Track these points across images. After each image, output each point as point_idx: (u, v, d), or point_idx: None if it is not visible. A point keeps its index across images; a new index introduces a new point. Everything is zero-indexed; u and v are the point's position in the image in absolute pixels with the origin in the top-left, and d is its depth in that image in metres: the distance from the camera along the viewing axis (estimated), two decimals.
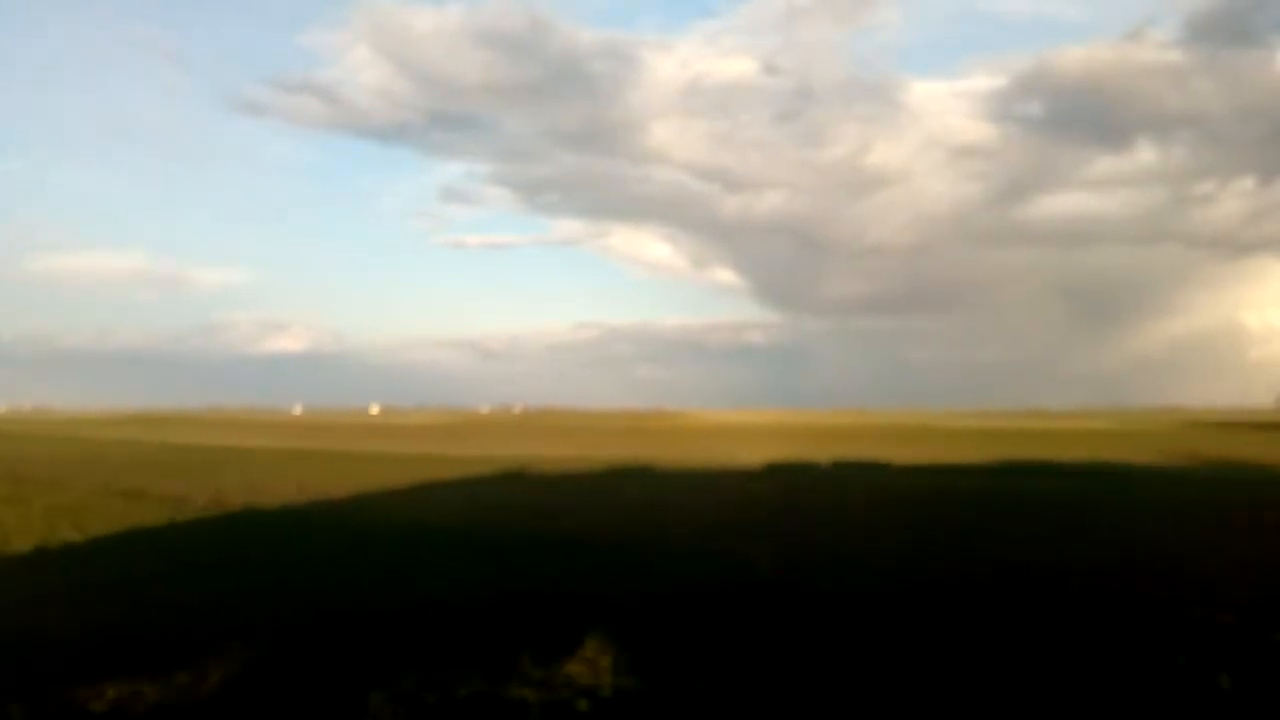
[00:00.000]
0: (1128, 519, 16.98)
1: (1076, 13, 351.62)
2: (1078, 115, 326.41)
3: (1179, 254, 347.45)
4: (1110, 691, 6.48)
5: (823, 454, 40.38)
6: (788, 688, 6.60)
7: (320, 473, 28.11)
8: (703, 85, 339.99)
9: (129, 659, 7.23)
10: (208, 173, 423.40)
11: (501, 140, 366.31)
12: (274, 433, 74.31)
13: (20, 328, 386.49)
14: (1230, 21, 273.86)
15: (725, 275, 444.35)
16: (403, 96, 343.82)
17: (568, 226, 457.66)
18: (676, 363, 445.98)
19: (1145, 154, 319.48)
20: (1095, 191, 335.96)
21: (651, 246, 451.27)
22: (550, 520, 16.19)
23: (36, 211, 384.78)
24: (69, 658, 7.36)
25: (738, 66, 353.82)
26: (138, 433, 70.46)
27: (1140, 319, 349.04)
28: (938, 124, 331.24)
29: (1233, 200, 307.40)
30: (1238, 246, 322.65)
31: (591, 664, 7.12)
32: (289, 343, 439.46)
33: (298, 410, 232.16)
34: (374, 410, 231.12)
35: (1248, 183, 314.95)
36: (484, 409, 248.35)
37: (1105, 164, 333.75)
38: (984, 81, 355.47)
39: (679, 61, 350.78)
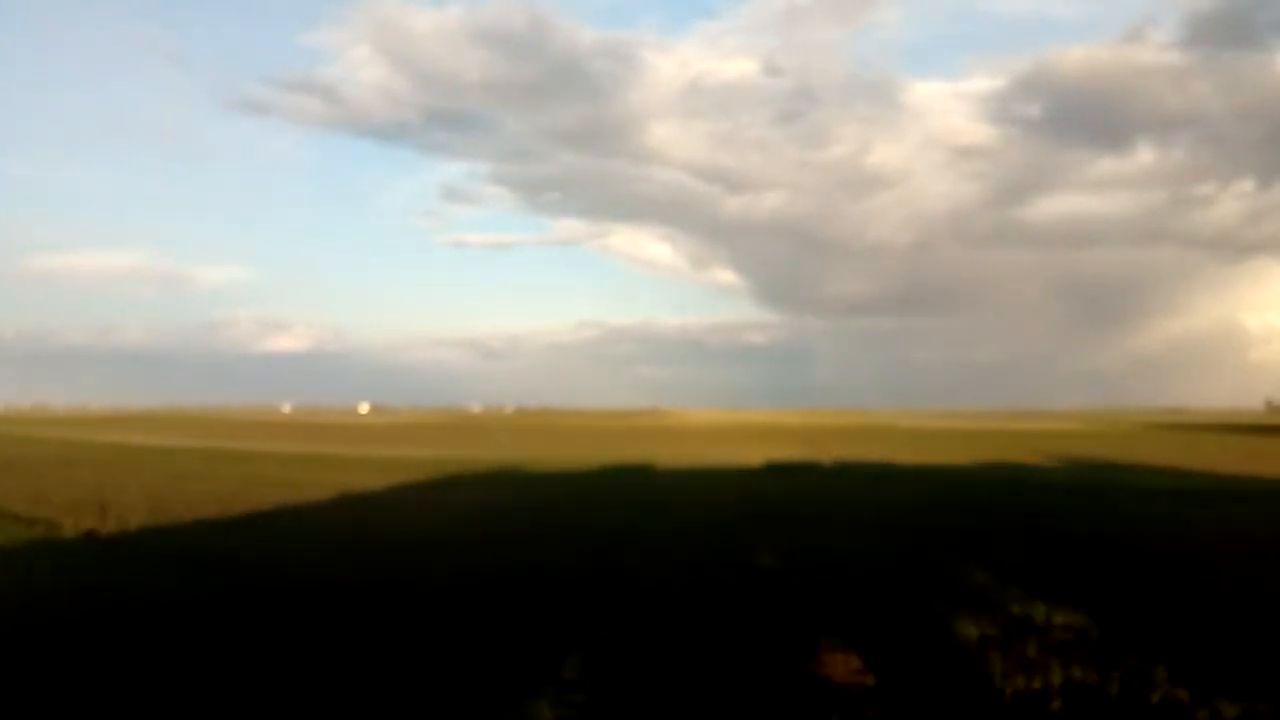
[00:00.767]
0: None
1: (1076, 13, 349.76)
2: (1077, 116, 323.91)
3: (1178, 255, 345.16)
4: None
5: (804, 453, 36.80)
6: None
7: (194, 481, 23.79)
8: (703, 85, 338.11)
9: None
10: (208, 171, 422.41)
11: (502, 140, 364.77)
12: (221, 431, 70.14)
13: (21, 325, 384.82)
14: (1230, 23, 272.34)
15: (725, 275, 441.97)
16: (403, 95, 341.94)
17: (568, 226, 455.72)
18: (677, 362, 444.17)
19: (1145, 155, 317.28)
20: (1095, 192, 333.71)
21: (652, 246, 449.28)
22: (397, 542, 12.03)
23: (37, 210, 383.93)
24: None
25: (738, 67, 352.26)
26: (64, 432, 66.33)
27: (1140, 320, 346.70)
28: (938, 124, 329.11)
29: (1232, 202, 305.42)
30: (1237, 248, 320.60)
31: None
32: (290, 341, 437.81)
33: (287, 409, 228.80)
34: (363, 409, 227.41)
35: (1247, 184, 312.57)
36: (476, 408, 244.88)
37: (1105, 165, 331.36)
38: (984, 82, 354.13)
39: (679, 62, 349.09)
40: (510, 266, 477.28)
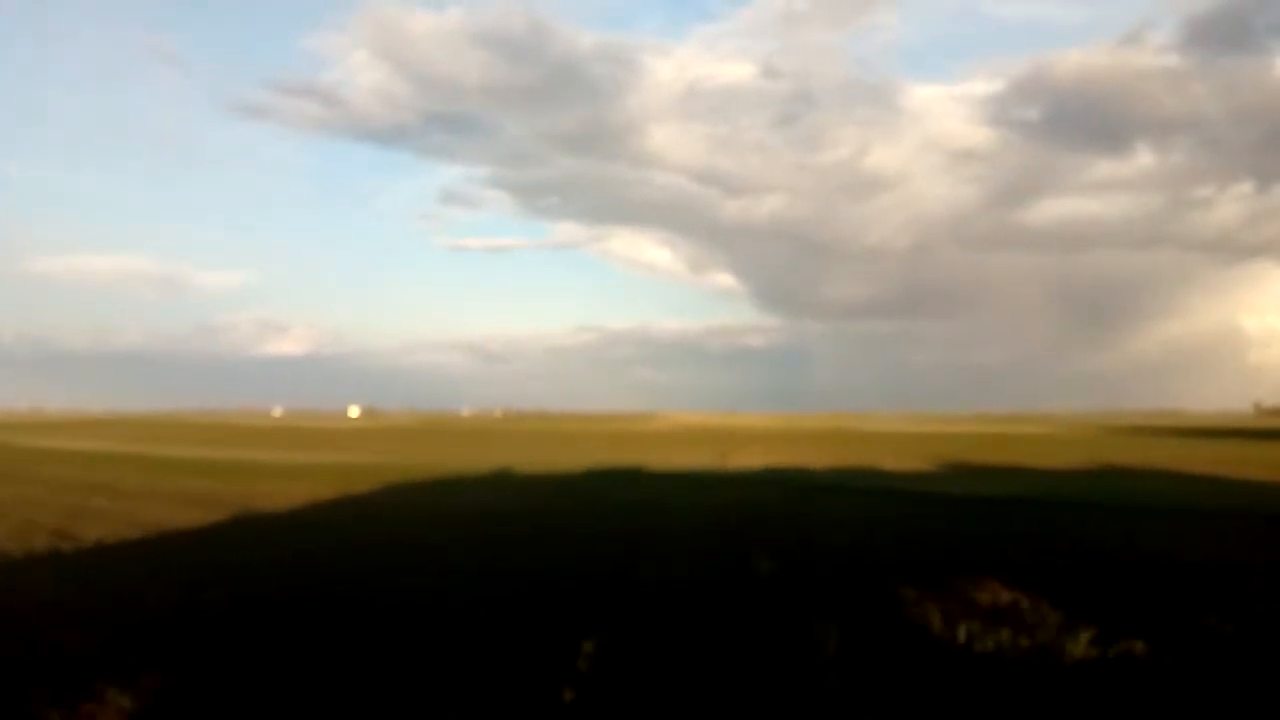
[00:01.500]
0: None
1: (1074, 17, 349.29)
2: (1076, 119, 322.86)
3: (1177, 258, 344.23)
4: None
5: (762, 460, 35.25)
6: None
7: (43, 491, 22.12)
8: (702, 89, 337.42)
9: None
10: (208, 174, 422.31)
11: (501, 143, 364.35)
12: (174, 436, 68.57)
13: (21, 328, 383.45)
14: (1228, 25, 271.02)
15: (724, 279, 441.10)
16: (402, 99, 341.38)
17: (567, 230, 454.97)
18: (676, 366, 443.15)
19: (1143, 158, 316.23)
20: (1093, 195, 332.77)
21: (650, 250, 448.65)
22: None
23: (37, 213, 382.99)
24: None
25: (737, 70, 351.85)
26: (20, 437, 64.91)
27: (1139, 323, 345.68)
28: (936, 127, 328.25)
29: (1231, 204, 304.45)
30: (1236, 251, 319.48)
31: None
32: (290, 344, 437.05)
33: (277, 413, 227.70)
34: (353, 413, 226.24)
35: (1246, 187, 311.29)
36: (465, 412, 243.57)
37: (1103, 168, 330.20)
38: (982, 85, 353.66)
39: (678, 65, 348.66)
40: (509, 270, 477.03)
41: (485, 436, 77.09)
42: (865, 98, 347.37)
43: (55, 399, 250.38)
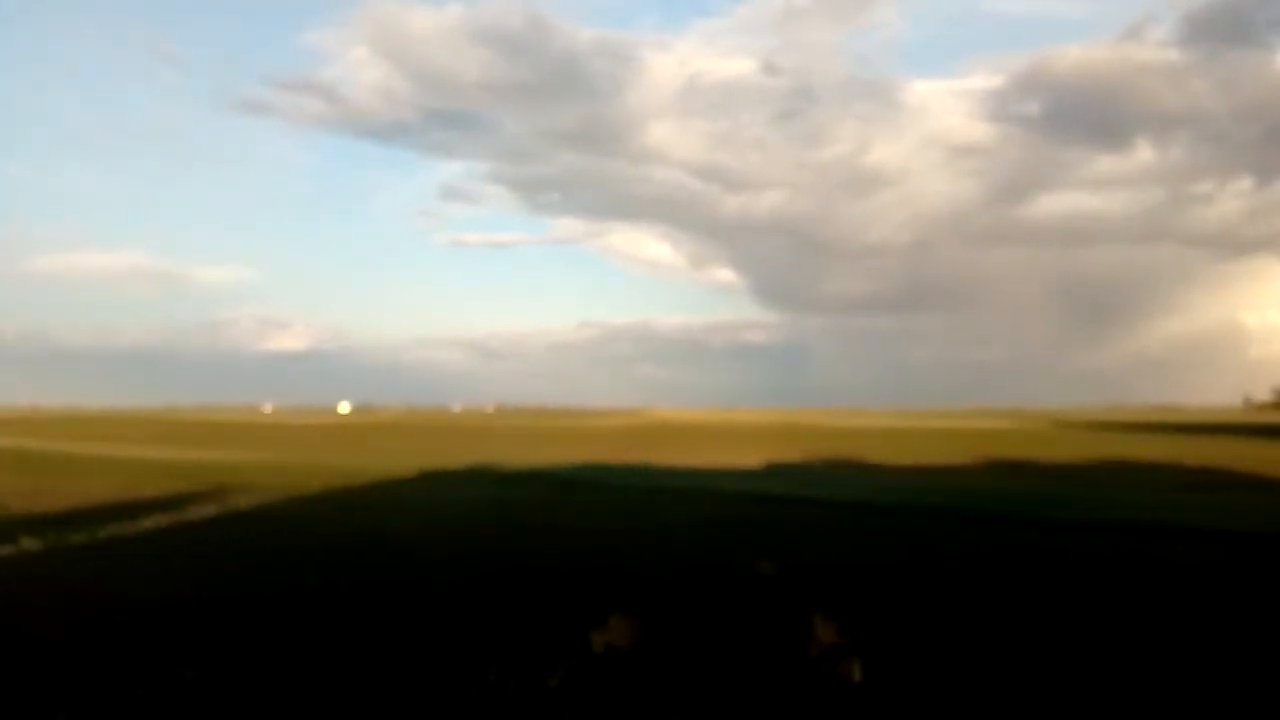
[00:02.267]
0: None
1: (1074, 12, 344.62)
2: (1076, 114, 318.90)
3: (1178, 253, 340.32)
4: None
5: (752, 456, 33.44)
6: None
7: None
8: (702, 85, 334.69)
9: None
10: (208, 171, 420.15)
11: (501, 139, 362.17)
12: (122, 433, 66.68)
13: (21, 326, 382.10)
14: (1229, 20, 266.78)
15: (725, 275, 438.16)
16: (402, 95, 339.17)
17: (567, 226, 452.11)
18: (677, 362, 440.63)
19: (1144, 153, 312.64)
20: (1094, 191, 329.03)
21: (651, 246, 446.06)
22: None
23: (37, 211, 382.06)
24: None
25: (737, 66, 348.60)
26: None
27: (1139, 318, 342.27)
28: (937, 123, 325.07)
29: (1231, 200, 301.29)
30: (1237, 246, 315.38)
31: None
32: (291, 341, 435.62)
33: (268, 409, 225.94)
34: (343, 409, 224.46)
35: (1246, 182, 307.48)
36: (457, 408, 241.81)
37: (1104, 163, 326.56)
38: (982, 81, 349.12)
39: (678, 61, 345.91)
40: (509, 266, 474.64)
41: (452, 434, 75.25)
42: (865, 93, 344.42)
43: (57, 396, 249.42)
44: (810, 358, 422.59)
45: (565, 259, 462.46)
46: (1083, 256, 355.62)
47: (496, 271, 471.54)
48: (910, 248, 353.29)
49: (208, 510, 16.65)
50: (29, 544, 12.29)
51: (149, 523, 14.87)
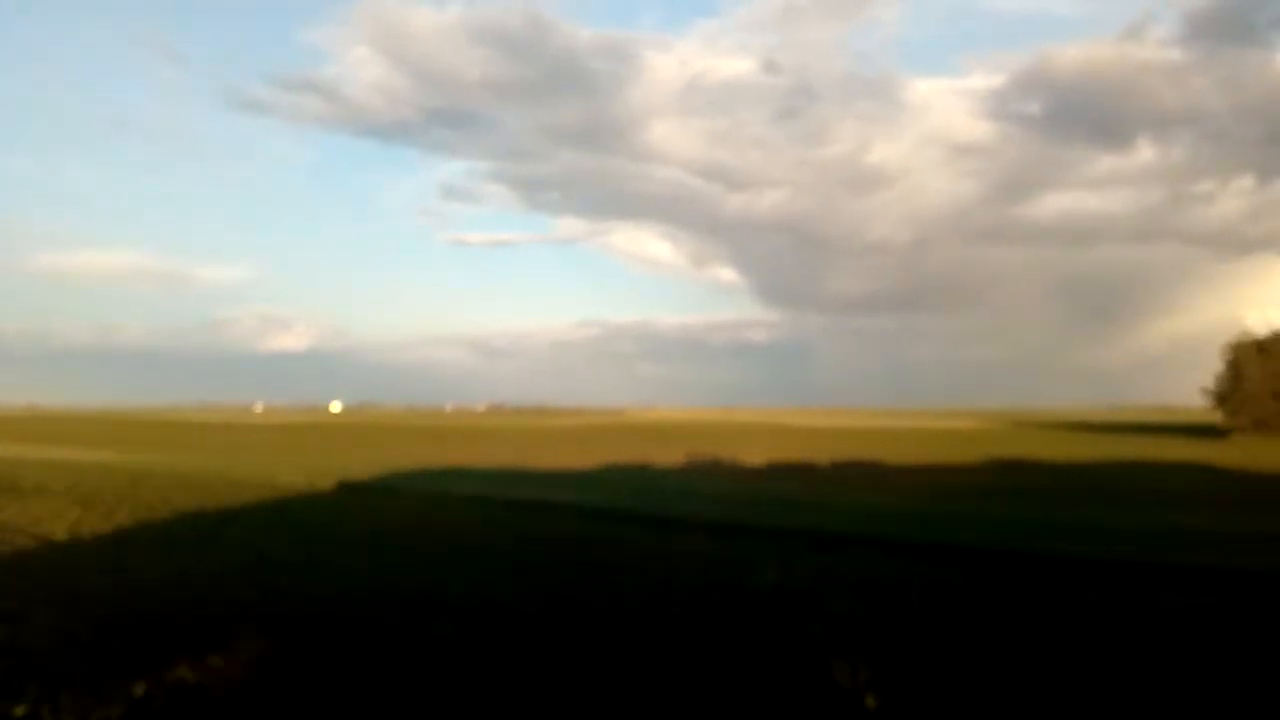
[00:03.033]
0: None
1: (1075, 10, 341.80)
2: (1077, 113, 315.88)
3: (1179, 252, 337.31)
4: None
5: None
6: None
7: None
8: (702, 83, 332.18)
9: None
10: (210, 170, 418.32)
11: (502, 138, 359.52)
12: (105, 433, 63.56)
13: (23, 324, 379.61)
14: (1229, 19, 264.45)
15: (726, 273, 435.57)
16: (403, 94, 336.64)
17: (568, 224, 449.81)
18: (678, 360, 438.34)
19: (1145, 152, 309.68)
20: (1095, 190, 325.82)
21: (652, 244, 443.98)
22: None
23: (39, 209, 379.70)
24: None
25: (737, 64, 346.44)
26: None
27: (1141, 317, 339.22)
28: (937, 122, 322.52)
29: (1232, 199, 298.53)
30: (1238, 245, 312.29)
31: None
32: (292, 340, 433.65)
33: (259, 408, 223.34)
34: (335, 408, 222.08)
35: (1247, 181, 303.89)
36: (449, 407, 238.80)
37: (1105, 162, 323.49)
38: (983, 79, 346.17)
39: (679, 60, 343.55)
40: (511, 265, 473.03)
41: (424, 435, 72.17)
42: (866, 92, 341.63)
43: (58, 396, 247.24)
44: (811, 356, 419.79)
45: (566, 257, 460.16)
46: (1084, 255, 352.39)
47: (498, 270, 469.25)
48: (911, 246, 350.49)
49: None
50: None
51: None
